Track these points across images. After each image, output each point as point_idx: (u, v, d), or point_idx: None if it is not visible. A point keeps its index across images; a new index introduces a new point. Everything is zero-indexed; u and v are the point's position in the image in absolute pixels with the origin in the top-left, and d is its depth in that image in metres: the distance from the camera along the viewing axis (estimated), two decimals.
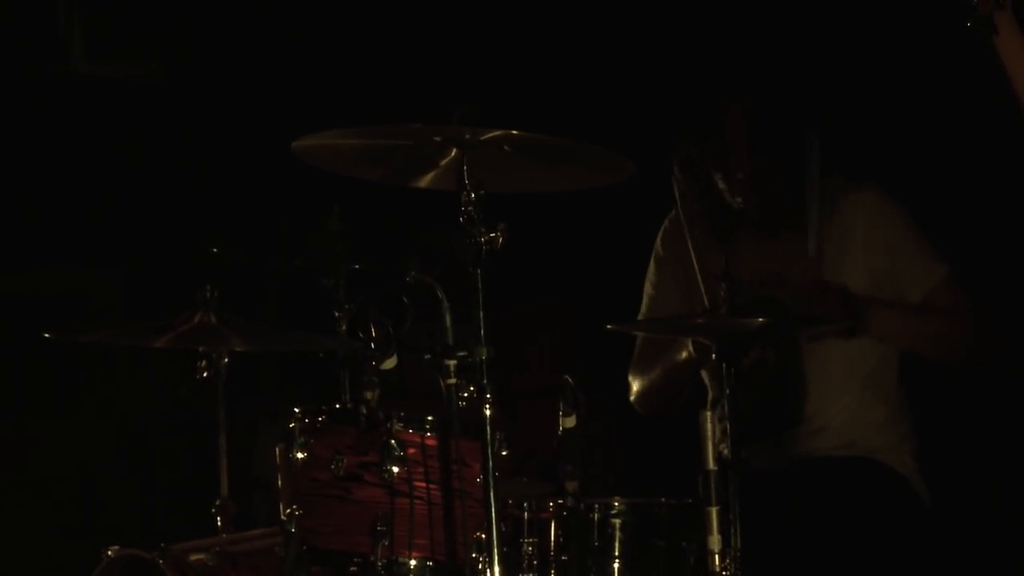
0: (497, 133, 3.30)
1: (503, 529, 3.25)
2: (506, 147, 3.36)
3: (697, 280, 4.15)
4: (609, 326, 3.78)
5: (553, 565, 3.62)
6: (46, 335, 3.92)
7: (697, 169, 4.20)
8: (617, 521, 3.62)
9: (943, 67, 4.79)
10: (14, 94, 5.69)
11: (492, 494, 3.23)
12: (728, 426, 3.55)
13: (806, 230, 4.19)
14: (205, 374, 4.01)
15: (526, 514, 3.63)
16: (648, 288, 4.48)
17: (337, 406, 3.56)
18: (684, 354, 4.19)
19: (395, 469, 3.39)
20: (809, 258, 4.15)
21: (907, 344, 4.20)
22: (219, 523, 4.02)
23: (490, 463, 3.24)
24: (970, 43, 3.13)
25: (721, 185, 4.21)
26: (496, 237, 3.24)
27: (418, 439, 3.42)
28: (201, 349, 3.99)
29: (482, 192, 3.26)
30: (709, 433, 3.50)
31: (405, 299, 3.49)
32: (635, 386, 4.45)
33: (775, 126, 4.15)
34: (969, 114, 4.80)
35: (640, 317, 4.46)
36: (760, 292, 4.17)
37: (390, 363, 3.47)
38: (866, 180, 4.27)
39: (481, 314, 3.26)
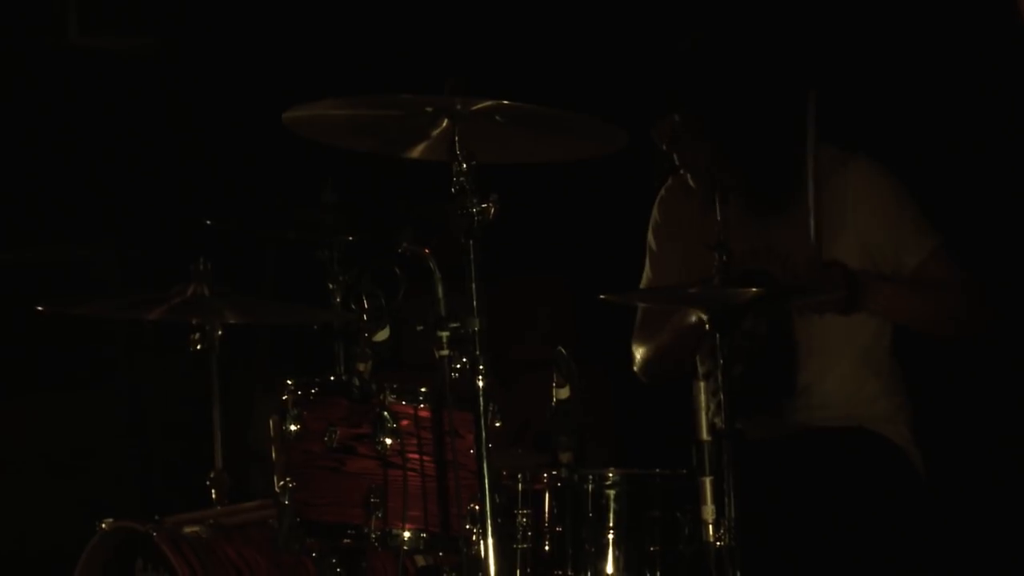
0: (488, 103, 3.27)
1: (497, 500, 3.24)
2: (498, 117, 3.34)
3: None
4: (603, 296, 3.77)
5: (547, 536, 3.62)
6: (40, 308, 3.93)
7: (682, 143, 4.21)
8: (611, 492, 3.61)
9: (938, 32, 4.77)
10: (9, 67, 5.68)
11: (485, 465, 3.22)
12: (721, 398, 3.55)
13: (794, 204, 4.16)
14: (199, 346, 4.01)
15: (520, 485, 3.63)
16: (648, 256, 4.47)
17: (332, 378, 3.56)
18: (695, 317, 4.17)
19: (388, 441, 3.39)
20: (808, 237, 4.11)
21: (903, 319, 4.19)
22: (213, 495, 4.03)
23: (483, 434, 3.23)
24: None
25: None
26: (488, 208, 3.23)
27: (411, 411, 3.42)
28: (195, 321, 3.99)
29: (473, 163, 3.24)
30: (702, 403, 3.49)
31: (398, 270, 3.49)
32: (640, 354, 4.42)
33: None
34: (965, 83, 4.78)
35: (642, 285, 4.45)
36: (753, 264, 4.16)
37: (382, 335, 3.47)
38: (859, 150, 4.24)
39: (474, 285, 3.25)
